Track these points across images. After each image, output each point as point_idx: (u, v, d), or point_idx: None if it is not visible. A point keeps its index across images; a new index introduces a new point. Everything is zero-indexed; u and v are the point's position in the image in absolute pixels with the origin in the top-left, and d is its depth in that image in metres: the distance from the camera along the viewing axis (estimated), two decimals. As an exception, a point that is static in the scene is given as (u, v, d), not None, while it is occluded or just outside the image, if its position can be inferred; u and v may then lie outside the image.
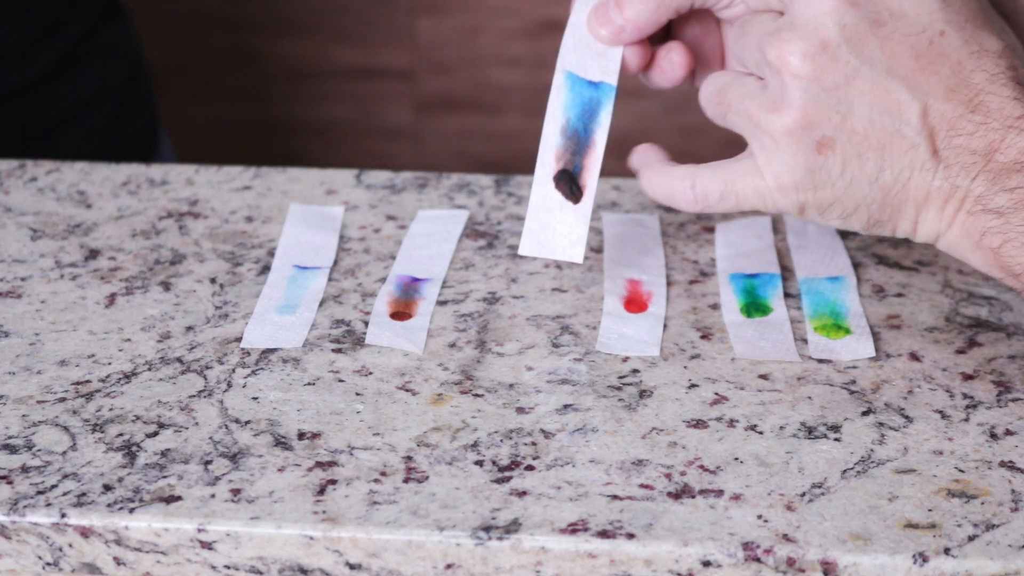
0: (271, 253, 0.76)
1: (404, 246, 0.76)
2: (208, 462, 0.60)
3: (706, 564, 0.56)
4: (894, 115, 0.62)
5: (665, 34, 0.71)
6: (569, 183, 0.68)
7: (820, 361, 0.67)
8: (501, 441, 0.62)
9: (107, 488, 0.59)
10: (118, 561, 0.58)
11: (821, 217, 0.65)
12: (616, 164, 0.75)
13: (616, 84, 0.68)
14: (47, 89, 1.14)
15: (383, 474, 0.60)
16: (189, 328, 0.70)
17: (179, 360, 0.67)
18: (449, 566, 0.57)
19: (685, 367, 0.67)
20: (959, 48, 0.62)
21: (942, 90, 0.62)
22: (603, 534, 0.56)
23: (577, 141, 0.69)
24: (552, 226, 0.69)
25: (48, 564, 0.59)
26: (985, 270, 0.64)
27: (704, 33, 0.71)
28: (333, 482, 0.59)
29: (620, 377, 0.66)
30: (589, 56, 0.69)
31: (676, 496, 0.58)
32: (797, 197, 0.64)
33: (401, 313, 0.71)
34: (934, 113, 0.62)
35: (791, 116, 0.63)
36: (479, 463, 0.60)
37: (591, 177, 0.69)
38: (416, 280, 0.73)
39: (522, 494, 0.58)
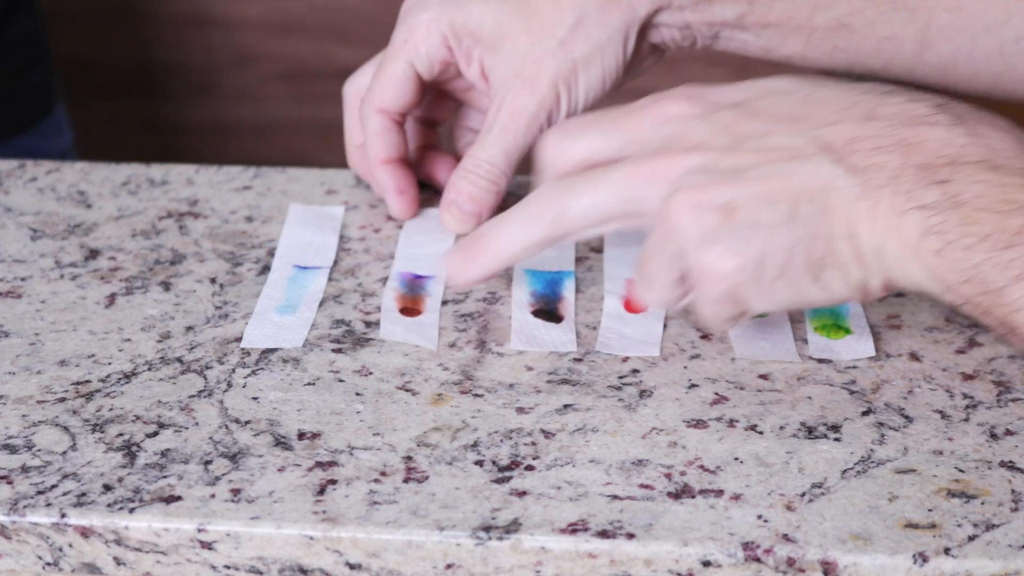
0: (271, 253, 0.76)
1: (401, 244, 0.76)
2: (208, 462, 0.60)
3: (706, 564, 0.56)
4: (785, 155, 0.60)
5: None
6: (547, 317, 0.70)
7: (820, 361, 0.67)
8: (501, 441, 0.62)
9: (107, 488, 0.59)
10: (118, 561, 0.58)
11: (760, 286, 0.61)
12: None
13: (574, 270, 0.73)
14: None
15: (383, 474, 0.60)
16: (189, 328, 0.70)
17: (179, 360, 0.67)
18: (449, 566, 0.57)
19: (685, 367, 0.67)
20: (837, 93, 0.62)
21: (828, 118, 0.60)
22: (603, 534, 0.56)
23: (548, 300, 0.71)
24: (540, 338, 0.69)
25: (48, 564, 0.59)
26: (935, 289, 0.59)
27: (443, 106, 0.82)
28: (333, 482, 0.59)
29: (620, 377, 0.66)
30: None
31: (676, 496, 0.58)
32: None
33: (410, 309, 0.71)
34: (826, 137, 0.59)
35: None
36: (479, 463, 0.60)
37: (569, 306, 0.71)
38: (419, 277, 0.73)
39: (522, 494, 0.58)
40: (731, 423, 0.63)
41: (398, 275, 0.73)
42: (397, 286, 0.72)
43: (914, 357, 0.67)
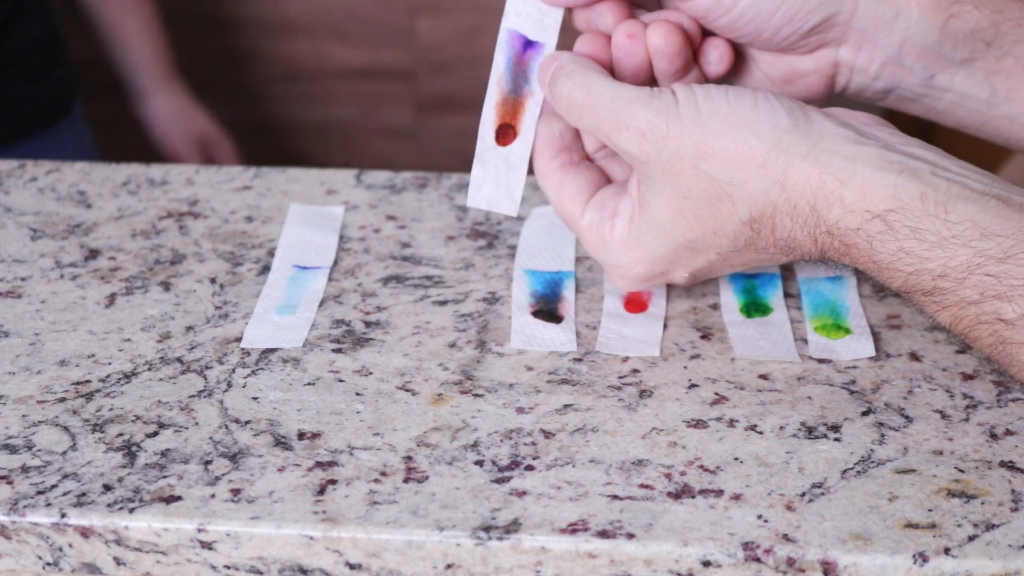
0: (271, 253, 0.76)
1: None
2: (208, 462, 0.60)
3: (706, 564, 0.56)
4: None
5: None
6: (547, 317, 0.70)
7: (820, 361, 0.67)
8: (501, 441, 0.62)
9: (107, 488, 0.59)
10: (118, 561, 0.58)
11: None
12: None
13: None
14: None
15: (383, 474, 0.60)
16: (189, 328, 0.70)
17: (179, 360, 0.67)
18: (449, 566, 0.57)
19: (685, 367, 0.67)
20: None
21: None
22: (603, 534, 0.56)
23: (548, 301, 0.71)
24: (540, 338, 0.69)
25: (48, 564, 0.59)
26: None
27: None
28: (333, 482, 0.59)
29: (620, 377, 0.66)
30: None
31: (676, 496, 0.58)
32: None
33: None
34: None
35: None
36: (479, 463, 0.60)
37: (569, 306, 0.70)
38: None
39: (522, 494, 0.58)
40: (731, 423, 0.63)
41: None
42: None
43: (914, 357, 0.67)
